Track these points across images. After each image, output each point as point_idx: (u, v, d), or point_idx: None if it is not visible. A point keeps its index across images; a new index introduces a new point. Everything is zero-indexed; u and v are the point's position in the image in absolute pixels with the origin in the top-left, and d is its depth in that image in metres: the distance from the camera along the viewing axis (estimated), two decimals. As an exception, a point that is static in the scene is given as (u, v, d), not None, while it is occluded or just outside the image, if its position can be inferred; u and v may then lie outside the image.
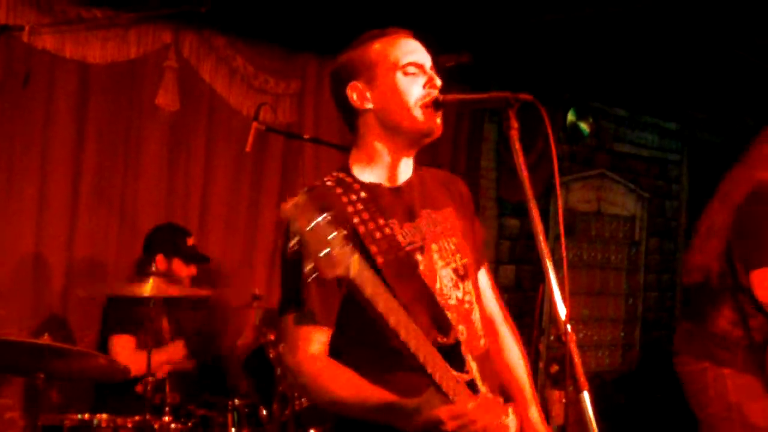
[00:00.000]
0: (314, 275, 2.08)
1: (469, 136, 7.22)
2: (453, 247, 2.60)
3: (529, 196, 2.33)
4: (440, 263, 2.55)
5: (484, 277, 2.80)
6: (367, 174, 2.57)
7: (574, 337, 2.24)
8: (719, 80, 7.15)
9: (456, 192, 2.77)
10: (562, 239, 2.34)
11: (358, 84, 2.57)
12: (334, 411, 2.51)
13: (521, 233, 7.64)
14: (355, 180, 2.52)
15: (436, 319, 2.37)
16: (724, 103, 7.98)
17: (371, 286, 2.09)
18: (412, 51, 2.57)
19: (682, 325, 4.11)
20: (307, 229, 1.97)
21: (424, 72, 2.56)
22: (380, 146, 2.58)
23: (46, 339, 4.13)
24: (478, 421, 2.26)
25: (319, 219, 1.98)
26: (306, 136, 5.46)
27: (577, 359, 2.21)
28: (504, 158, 7.43)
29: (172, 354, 5.03)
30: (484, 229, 2.88)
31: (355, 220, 2.41)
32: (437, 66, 2.63)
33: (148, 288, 4.45)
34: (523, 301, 7.51)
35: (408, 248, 2.48)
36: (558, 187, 2.47)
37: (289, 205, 1.99)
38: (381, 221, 2.28)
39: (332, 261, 1.99)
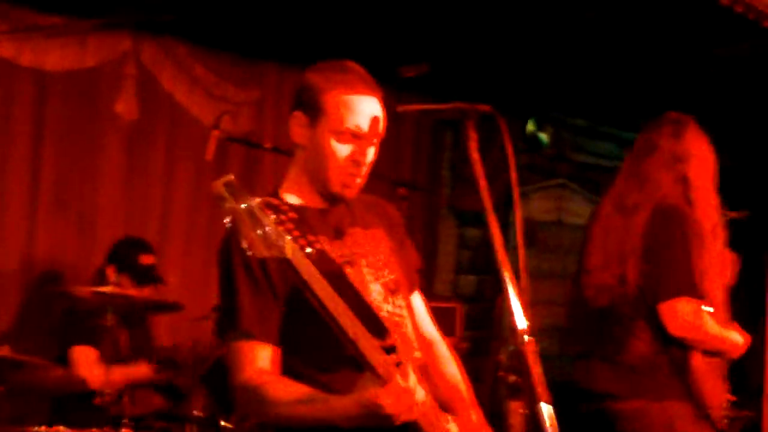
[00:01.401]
0: (254, 286, 2.20)
1: (430, 146, 7.24)
2: (381, 264, 2.63)
3: (487, 207, 2.33)
4: (369, 277, 2.58)
5: (418, 300, 2.83)
6: (295, 198, 2.61)
7: (534, 348, 2.24)
8: (678, 90, 7.20)
9: (385, 215, 2.80)
10: (521, 249, 2.34)
11: (303, 117, 2.59)
12: (279, 422, 2.49)
13: (482, 243, 7.64)
14: (284, 203, 2.52)
15: (372, 324, 2.37)
16: (685, 113, 8.04)
17: (307, 268, 2.11)
18: (359, 113, 2.55)
19: (595, 362, 3.79)
20: (242, 206, 2.00)
21: (360, 138, 2.56)
22: (306, 180, 2.62)
23: (4, 350, 4.09)
24: (417, 400, 2.28)
25: (253, 202, 2.02)
26: (267, 145, 5.44)
27: (536, 370, 2.21)
28: (459, 167, 7.43)
29: (135, 373, 4.97)
30: (418, 255, 2.90)
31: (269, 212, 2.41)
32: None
33: (108, 288, 4.39)
34: (484, 311, 7.51)
35: (338, 261, 2.50)
36: (517, 198, 2.48)
37: (221, 183, 2.00)
38: (311, 237, 2.30)
39: (268, 241, 2.02)
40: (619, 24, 5.75)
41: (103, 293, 4.36)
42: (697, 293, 3.58)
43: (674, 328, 3.58)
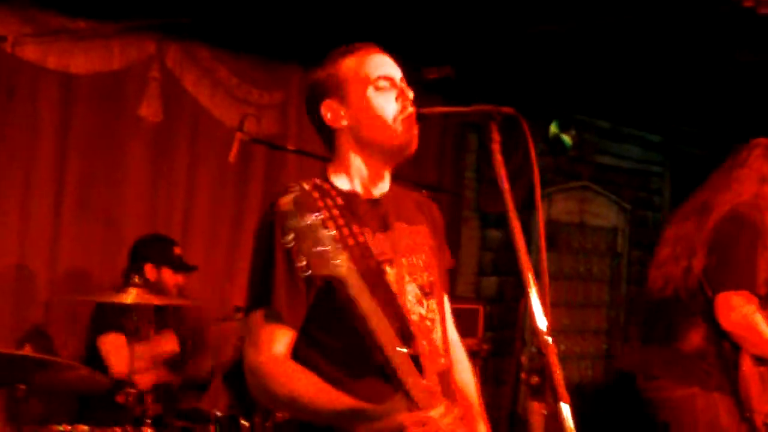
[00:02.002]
0: (290, 273, 2.21)
1: (454, 148, 7.24)
2: (421, 264, 2.62)
3: (510, 209, 2.33)
4: (407, 278, 2.56)
5: (447, 305, 2.82)
6: (345, 183, 2.59)
7: (555, 349, 2.24)
8: (702, 94, 7.19)
9: (430, 215, 2.79)
10: (543, 251, 2.35)
11: (332, 102, 2.58)
12: (293, 413, 2.51)
13: (504, 245, 7.64)
14: (333, 187, 2.50)
15: (401, 329, 2.38)
16: (707, 117, 8.02)
17: (357, 287, 2.15)
18: (381, 65, 2.58)
19: (653, 347, 4.04)
20: (304, 225, 2.02)
21: (395, 85, 2.57)
22: (357, 161, 2.59)
23: (27, 350, 4.12)
24: (441, 429, 2.28)
25: (314, 217, 2.06)
26: (290, 147, 5.46)
27: (557, 371, 2.21)
28: (484, 170, 7.44)
29: (162, 347, 5.02)
30: (452, 259, 2.91)
31: (330, 224, 2.42)
32: (420, 78, 2.64)
33: (131, 296, 4.43)
34: (506, 313, 7.52)
35: (379, 258, 2.50)
36: (539, 200, 2.48)
37: (287, 200, 2.02)
38: (355, 228, 2.30)
39: (325, 258, 2.05)
40: (642, 27, 5.74)
41: (126, 303, 4.40)
42: (755, 290, 3.69)
43: (726, 321, 3.68)
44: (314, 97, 2.63)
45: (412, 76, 2.66)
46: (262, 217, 2.54)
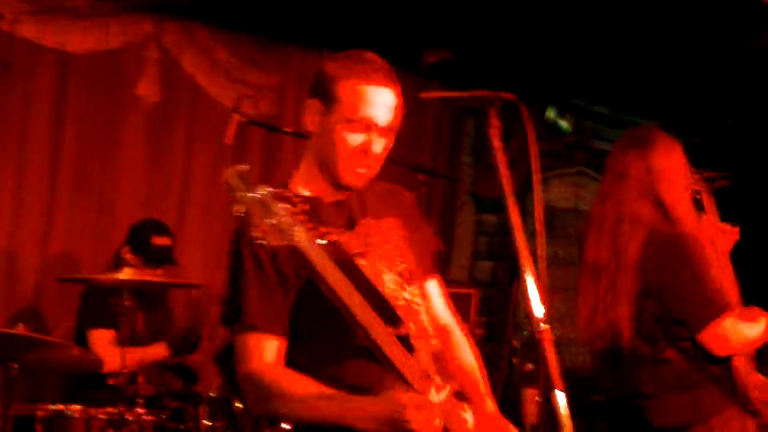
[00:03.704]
0: (262, 282, 2.22)
1: (451, 133, 7.23)
2: (395, 254, 2.62)
3: (508, 194, 2.33)
4: (383, 268, 2.57)
5: (435, 288, 2.82)
6: (306, 190, 2.60)
7: (550, 336, 2.24)
8: (699, 80, 7.17)
9: (398, 203, 2.78)
10: (540, 237, 2.34)
11: (316, 104, 2.58)
12: (290, 418, 2.52)
13: (499, 229, 7.63)
14: (294, 194, 2.47)
15: (385, 313, 2.37)
16: (704, 103, 8.01)
17: (320, 258, 2.13)
18: (372, 104, 2.53)
19: (638, 403, 3.65)
20: (254, 196, 2.00)
21: (369, 130, 2.54)
22: (317, 167, 2.61)
23: (20, 329, 4.11)
24: (438, 416, 2.30)
25: (265, 191, 2.03)
26: (287, 129, 5.44)
27: (552, 358, 2.21)
28: (481, 154, 7.43)
29: (151, 355, 5.01)
30: (436, 238, 2.89)
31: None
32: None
33: (122, 275, 4.41)
34: (500, 298, 7.51)
35: (351, 253, 2.50)
36: (537, 185, 2.47)
37: (233, 172, 2.00)
38: (323, 229, 2.30)
39: (279, 228, 2.02)
40: (643, 11, 5.72)
41: (119, 279, 4.37)
42: (727, 307, 3.55)
43: (722, 350, 3.53)
44: (312, 85, 2.63)
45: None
46: (233, 230, 2.55)
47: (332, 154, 2.55)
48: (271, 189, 2.07)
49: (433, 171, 6.35)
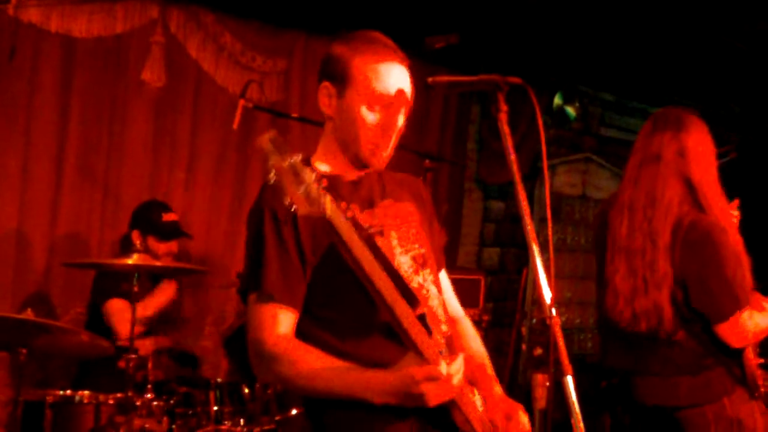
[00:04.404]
0: (283, 254, 2.22)
1: (457, 119, 7.22)
2: (412, 237, 2.64)
3: (517, 180, 2.32)
4: (399, 249, 2.58)
5: (446, 279, 2.85)
6: (327, 167, 2.61)
7: (559, 321, 2.24)
8: (706, 66, 7.15)
9: (416, 192, 2.81)
10: (549, 223, 2.34)
11: (332, 88, 2.59)
12: (303, 391, 2.51)
13: (506, 216, 7.64)
14: (315, 170, 2.52)
15: (404, 291, 2.38)
16: (711, 90, 7.99)
17: (348, 231, 2.13)
18: (387, 81, 2.56)
19: (647, 379, 3.69)
20: (286, 163, 1.98)
21: (389, 107, 2.56)
22: (337, 148, 2.62)
23: (29, 314, 4.12)
24: (455, 383, 2.32)
25: (295, 159, 2.01)
26: (293, 115, 5.44)
27: (561, 343, 2.21)
28: (486, 141, 7.42)
29: (162, 294, 5.02)
30: (444, 234, 2.92)
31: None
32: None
33: (131, 260, 4.41)
34: (507, 284, 7.52)
35: (369, 230, 2.51)
36: (546, 171, 2.47)
37: (265, 139, 2.00)
38: (343, 205, 2.31)
39: (309, 198, 2.02)
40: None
41: (127, 264, 4.37)
42: (747, 301, 3.55)
43: (738, 342, 3.54)
44: (324, 69, 2.63)
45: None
46: (255, 200, 2.56)
47: (352, 133, 2.56)
48: (301, 156, 2.05)
49: (439, 157, 6.34)
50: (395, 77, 2.57)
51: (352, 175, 2.63)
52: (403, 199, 2.70)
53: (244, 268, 2.56)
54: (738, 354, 3.57)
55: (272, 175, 2.02)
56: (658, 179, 3.64)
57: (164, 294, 5.05)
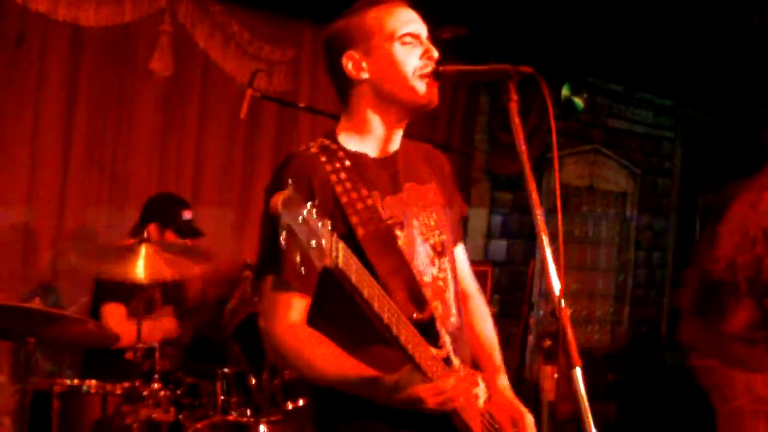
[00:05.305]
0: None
1: (465, 109, 7.21)
2: (433, 223, 2.61)
3: (527, 170, 2.31)
4: (419, 239, 2.55)
5: (461, 253, 2.82)
6: (354, 143, 2.56)
7: (568, 313, 2.23)
8: (714, 58, 7.13)
9: (438, 166, 2.78)
10: (559, 214, 2.33)
11: (354, 53, 2.55)
12: (312, 381, 2.51)
13: (514, 207, 7.62)
14: (341, 148, 2.51)
15: (413, 294, 2.38)
16: (720, 83, 7.97)
17: (356, 274, 2.10)
18: (409, 21, 2.55)
19: (694, 321, 3.93)
20: (296, 223, 1.95)
21: (421, 42, 2.55)
22: (373, 117, 2.57)
23: (36, 304, 4.12)
24: (457, 397, 2.31)
25: (306, 211, 1.96)
26: (301, 105, 5.43)
27: (570, 335, 2.20)
28: (495, 131, 7.41)
29: (163, 325, 5.02)
30: (465, 205, 2.90)
31: (338, 189, 2.40)
32: (434, 38, 2.61)
33: (140, 271, 4.41)
34: (515, 276, 7.51)
35: (389, 222, 2.48)
36: (556, 161, 2.46)
37: (279, 200, 1.97)
38: (364, 192, 2.28)
39: (321, 252, 1.98)
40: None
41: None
42: None
43: None
44: (336, 47, 2.59)
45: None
46: (274, 175, 2.52)
47: (397, 75, 2.52)
48: (314, 205, 1.99)
49: (448, 147, 6.33)
50: (410, 15, 2.57)
51: (379, 152, 2.58)
52: (426, 180, 2.66)
53: (260, 245, 2.53)
54: None
55: (282, 237, 1.97)
56: None
57: (162, 325, 5.03)
